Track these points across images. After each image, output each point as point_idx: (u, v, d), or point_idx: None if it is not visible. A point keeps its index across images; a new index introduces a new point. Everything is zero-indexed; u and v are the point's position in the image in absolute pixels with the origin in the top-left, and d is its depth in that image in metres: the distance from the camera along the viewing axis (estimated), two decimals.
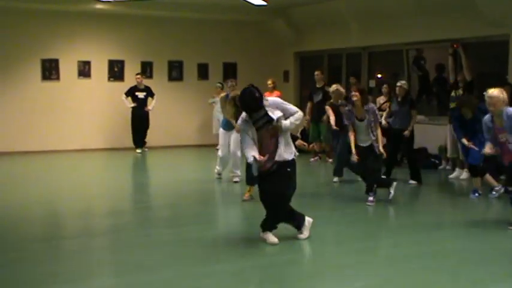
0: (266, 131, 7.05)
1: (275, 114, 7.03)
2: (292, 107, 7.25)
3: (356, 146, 9.67)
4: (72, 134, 16.70)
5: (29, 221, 8.72)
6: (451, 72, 13.08)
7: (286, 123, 7.04)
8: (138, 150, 16.71)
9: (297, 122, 7.19)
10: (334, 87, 12.00)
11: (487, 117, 8.10)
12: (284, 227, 7.48)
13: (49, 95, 16.44)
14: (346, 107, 10.14)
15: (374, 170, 9.69)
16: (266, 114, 7.03)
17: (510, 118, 7.76)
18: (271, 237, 7.25)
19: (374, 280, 6.07)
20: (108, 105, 17.04)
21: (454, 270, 6.45)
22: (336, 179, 11.67)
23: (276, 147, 7.07)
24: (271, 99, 7.30)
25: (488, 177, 10.18)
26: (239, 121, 7.26)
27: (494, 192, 10.14)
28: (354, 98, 9.56)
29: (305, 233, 7.43)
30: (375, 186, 9.67)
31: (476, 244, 7.45)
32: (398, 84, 11.86)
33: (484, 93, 8.17)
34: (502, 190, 9.93)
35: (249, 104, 6.94)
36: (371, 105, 9.75)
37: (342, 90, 12.06)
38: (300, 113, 7.21)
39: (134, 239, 7.61)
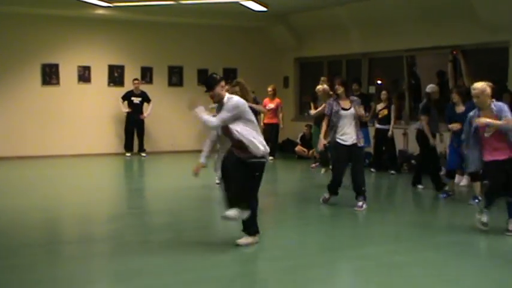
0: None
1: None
2: (226, 114, 7.20)
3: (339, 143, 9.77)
4: (71, 139, 16.69)
5: (28, 226, 8.70)
6: (451, 79, 13.11)
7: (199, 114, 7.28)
8: (128, 154, 16.93)
9: (202, 121, 7.32)
10: (319, 87, 12.02)
11: (472, 112, 8.12)
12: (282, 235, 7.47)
13: (49, 100, 16.44)
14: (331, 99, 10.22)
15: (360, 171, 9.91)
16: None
17: (499, 107, 7.81)
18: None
19: (375, 286, 6.07)
20: (107, 110, 17.05)
21: (456, 277, 6.45)
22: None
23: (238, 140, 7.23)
24: (234, 100, 7.27)
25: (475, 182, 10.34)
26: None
27: (476, 201, 10.15)
28: (338, 91, 9.82)
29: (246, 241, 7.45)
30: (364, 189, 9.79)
31: (478, 250, 7.46)
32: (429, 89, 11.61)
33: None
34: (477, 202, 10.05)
35: (205, 80, 7.43)
36: (355, 97, 10.00)
37: (327, 88, 12.05)
38: (206, 120, 7.28)
39: (133, 245, 7.60)
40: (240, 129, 7.13)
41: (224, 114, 7.12)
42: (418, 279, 6.30)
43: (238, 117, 7.13)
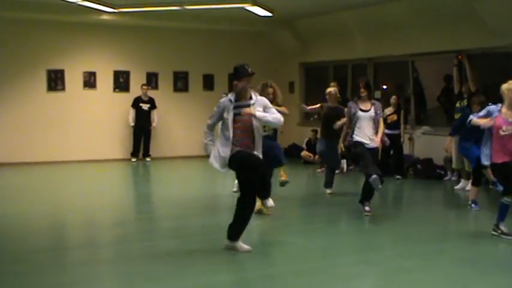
0: (241, 122, 7.18)
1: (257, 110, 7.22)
2: (276, 112, 7.41)
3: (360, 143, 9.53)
4: (77, 145, 16.72)
5: (34, 232, 8.72)
6: (456, 83, 13.10)
7: (261, 113, 7.19)
8: (134, 159, 17.10)
9: (271, 120, 7.27)
10: (330, 89, 11.79)
11: (494, 106, 8.03)
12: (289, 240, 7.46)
13: (54, 106, 16.48)
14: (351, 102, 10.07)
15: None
16: (249, 106, 7.20)
17: None
18: (244, 246, 7.30)
19: None
20: (113, 116, 17.10)
21: (461, 282, 6.44)
22: (328, 190, 11.60)
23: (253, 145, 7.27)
24: (261, 98, 7.41)
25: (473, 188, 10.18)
26: (223, 99, 7.35)
27: (474, 206, 10.07)
28: (362, 94, 9.61)
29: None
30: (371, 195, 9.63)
31: (480, 255, 7.43)
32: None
33: (490, 103, 8.25)
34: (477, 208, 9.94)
35: (240, 67, 7.36)
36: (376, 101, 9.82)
37: (336, 91, 11.88)
38: (279, 116, 7.34)
39: (139, 250, 7.61)
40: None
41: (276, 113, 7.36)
42: (423, 284, 6.28)
43: None
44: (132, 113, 16.96)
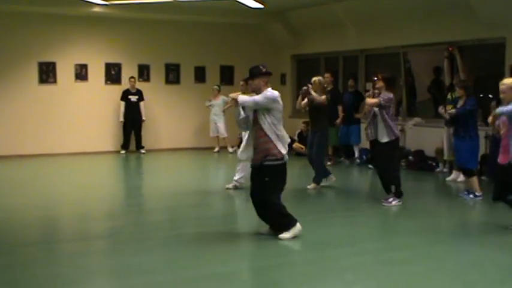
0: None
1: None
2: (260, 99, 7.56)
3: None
4: (69, 137, 16.69)
5: (26, 224, 8.70)
6: (447, 75, 13.11)
7: (242, 97, 7.56)
8: (122, 152, 17.10)
9: (249, 102, 7.48)
10: (314, 78, 11.78)
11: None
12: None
13: (46, 98, 16.43)
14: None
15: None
16: None
17: None
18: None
19: (374, 283, 6.09)
20: (105, 108, 17.07)
21: (452, 272, 6.48)
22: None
23: (265, 142, 7.52)
24: (275, 93, 7.59)
25: (475, 179, 10.19)
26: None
27: (471, 196, 10.09)
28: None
29: (286, 235, 7.50)
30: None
31: (473, 247, 7.47)
32: None
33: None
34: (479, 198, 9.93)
35: (254, 67, 7.53)
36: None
37: (323, 80, 11.87)
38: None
39: (132, 242, 7.61)
40: (270, 121, 7.54)
41: (259, 98, 7.42)
42: (417, 274, 6.32)
43: (270, 108, 7.47)
44: (122, 106, 16.94)
